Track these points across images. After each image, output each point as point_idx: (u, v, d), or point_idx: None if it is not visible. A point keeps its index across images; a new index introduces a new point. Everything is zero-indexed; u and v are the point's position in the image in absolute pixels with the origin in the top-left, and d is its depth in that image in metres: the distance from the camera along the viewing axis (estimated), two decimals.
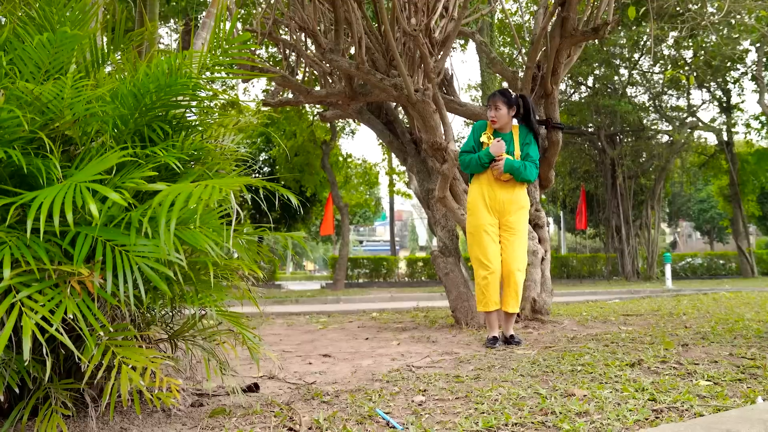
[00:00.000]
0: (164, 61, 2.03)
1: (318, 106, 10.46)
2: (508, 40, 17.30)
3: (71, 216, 1.52)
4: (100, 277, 1.64)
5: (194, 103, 2.29)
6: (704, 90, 20.64)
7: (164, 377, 1.75)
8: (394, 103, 6.06)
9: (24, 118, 1.74)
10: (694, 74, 18.13)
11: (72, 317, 1.57)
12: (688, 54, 18.12)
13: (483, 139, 3.95)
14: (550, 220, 34.02)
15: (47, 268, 1.60)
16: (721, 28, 15.72)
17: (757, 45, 17.46)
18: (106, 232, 1.71)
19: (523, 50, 5.44)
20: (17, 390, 1.72)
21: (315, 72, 6.04)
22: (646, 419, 1.89)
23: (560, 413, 1.97)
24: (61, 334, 1.53)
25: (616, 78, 19.33)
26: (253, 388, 2.55)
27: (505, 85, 6.10)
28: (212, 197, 1.61)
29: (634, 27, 16.23)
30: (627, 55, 18.42)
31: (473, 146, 3.97)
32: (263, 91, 17.03)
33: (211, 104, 2.44)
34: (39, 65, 2.01)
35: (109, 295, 1.64)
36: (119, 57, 2.48)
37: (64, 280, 1.63)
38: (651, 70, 19.48)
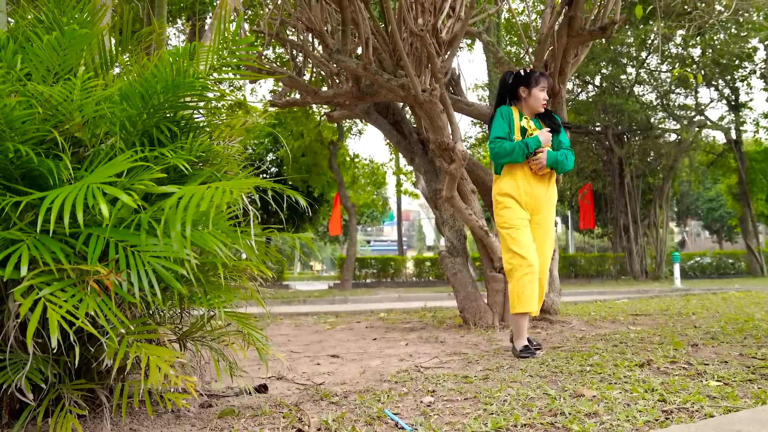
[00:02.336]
0: (171, 60, 2.02)
1: (325, 106, 10.47)
2: (515, 39, 17.25)
3: (82, 216, 1.53)
4: (118, 276, 1.65)
5: (202, 104, 2.29)
6: (712, 88, 20.53)
7: (179, 376, 1.75)
8: (402, 103, 6.06)
9: (35, 118, 1.75)
10: (702, 72, 18.03)
11: (93, 314, 1.58)
12: (695, 52, 18.03)
13: (523, 123, 3.58)
14: (558, 219, 33.91)
15: (65, 268, 1.61)
16: (729, 26, 15.63)
17: (766, 43, 17.37)
18: (116, 233, 1.72)
19: (530, 50, 5.43)
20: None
21: (322, 72, 6.04)
22: (656, 420, 1.88)
23: (569, 414, 1.97)
24: (85, 329, 1.55)
25: (623, 77, 19.25)
26: (262, 389, 2.55)
27: None
28: (223, 200, 1.61)
29: (642, 25, 16.16)
30: (634, 54, 18.33)
31: (508, 132, 3.53)
32: (270, 92, 17.07)
33: (219, 105, 2.44)
34: (49, 67, 2.02)
35: (126, 293, 1.65)
36: (127, 58, 2.48)
37: (81, 279, 1.64)
38: (658, 69, 19.40)
